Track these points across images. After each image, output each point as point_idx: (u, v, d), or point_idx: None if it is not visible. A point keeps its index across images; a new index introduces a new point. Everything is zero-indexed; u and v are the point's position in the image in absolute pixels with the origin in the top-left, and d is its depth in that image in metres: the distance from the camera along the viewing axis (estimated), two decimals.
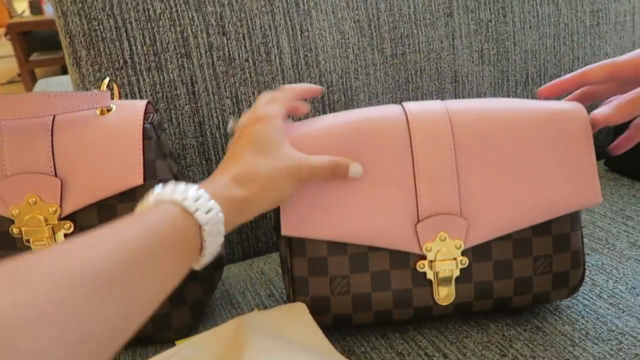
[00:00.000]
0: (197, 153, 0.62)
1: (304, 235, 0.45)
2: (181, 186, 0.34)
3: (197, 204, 0.33)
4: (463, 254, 0.45)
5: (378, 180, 0.44)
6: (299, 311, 0.45)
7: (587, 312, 0.49)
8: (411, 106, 0.46)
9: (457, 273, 0.45)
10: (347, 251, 0.45)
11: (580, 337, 0.46)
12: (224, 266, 0.54)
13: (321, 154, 0.43)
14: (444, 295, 0.45)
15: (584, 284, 0.53)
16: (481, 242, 0.45)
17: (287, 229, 0.44)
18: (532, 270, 0.46)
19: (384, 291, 0.46)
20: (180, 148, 0.62)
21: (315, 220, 0.44)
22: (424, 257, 0.45)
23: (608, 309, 0.49)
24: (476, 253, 0.46)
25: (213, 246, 0.35)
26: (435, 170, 0.44)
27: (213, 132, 0.62)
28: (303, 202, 0.44)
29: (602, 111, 0.44)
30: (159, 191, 0.34)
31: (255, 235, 0.68)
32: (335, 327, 0.48)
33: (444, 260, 0.45)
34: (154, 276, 0.30)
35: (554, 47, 0.79)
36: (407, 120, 0.45)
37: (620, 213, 0.67)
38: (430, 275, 0.45)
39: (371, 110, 0.47)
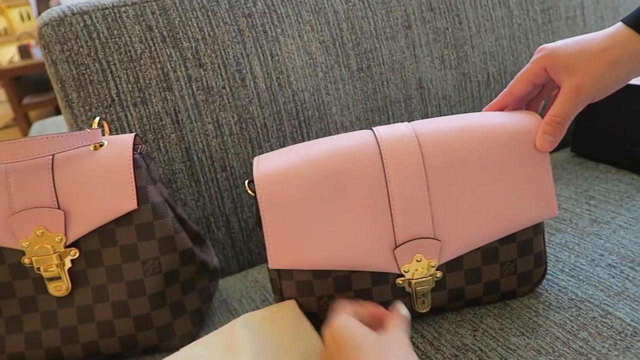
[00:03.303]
0: (186, 176, 0.68)
1: (290, 266, 0.48)
2: None
3: None
4: (437, 268, 0.49)
5: (356, 211, 0.47)
6: (289, 309, 0.50)
7: (550, 285, 0.54)
8: (382, 133, 0.48)
9: (432, 285, 0.49)
10: (331, 274, 0.49)
11: (543, 308, 0.51)
12: (219, 277, 0.59)
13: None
14: (421, 304, 0.50)
15: (548, 261, 0.58)
16: (454, 257, 0.49)
17: (274, 263, 0.48)
18: (500, 273, 0.51)
19: None
20: (171, 173, 0.67)
21: (299, 252, 0.47)
22: (402, 275, 0.49)
23: (569, 281, 0.54)
24: (449, 265, 0.50)
25: None
26: (408, 198, 0.47)
27: (199, 155, 0.68)
28: (287, 237, 0.47)
29: (546, 142, 0.48)
30: None
31: (248, 248, 0.73)
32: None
33: (420, 278, 0.49)
34: None
35: (511, 47, 0.85)
36: (379, 149, 0.47)
37: (583, 194, 0.72)
38: (408, 289, 0.49)
39: (344, 139, 0.49)
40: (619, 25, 0.45)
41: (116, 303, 0.50)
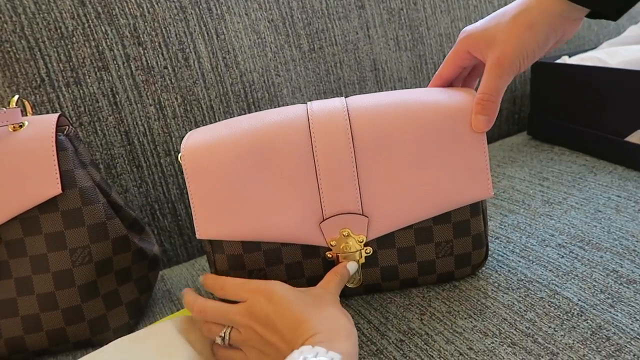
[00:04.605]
0: (126, 161, 0.64)
1: (218, 237, 0.47)
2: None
3: None
4: (368, 244, 0.48)
5: (283, 184, 0.46)
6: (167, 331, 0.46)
7: (500, 266, 0.53)
8: (314, 107, 0.47)
9: (362, 261, 0.48)
10: (261, 248, 0.48)
11: (492, 289, 0.50)
12: (160, 266, 0.56)
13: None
14: (352, 279, 0.49)
15: (499, 242, 0.57)
16: (383, 234, 0.48)
17: (201, 233, 0.47)
18: (435, 254, 0.49)
19: (298, 279, 0.49)
20: (109, 158, 0.63)
21: (226, 223, 0.46)
22: (331, 249, 0.48)
23: (519, 262, 0.53)
24: (381, 241, 0.48)
25: None
26: (335, 173, 0.46)
27: (140, 139, 0.64)
28: (214, 208, 0.46)
29: (480, 122, 0.46)
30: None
31: None
32: None
33: (348, 253, 0.48)
34: None
35: None
36: (309, 123, 0.46)
37: (537, 176, 0.71)
38: (337, 264, 0.48)
39: (275, 114, 0.48)
40: None
41: (42, 295, 0.47)
